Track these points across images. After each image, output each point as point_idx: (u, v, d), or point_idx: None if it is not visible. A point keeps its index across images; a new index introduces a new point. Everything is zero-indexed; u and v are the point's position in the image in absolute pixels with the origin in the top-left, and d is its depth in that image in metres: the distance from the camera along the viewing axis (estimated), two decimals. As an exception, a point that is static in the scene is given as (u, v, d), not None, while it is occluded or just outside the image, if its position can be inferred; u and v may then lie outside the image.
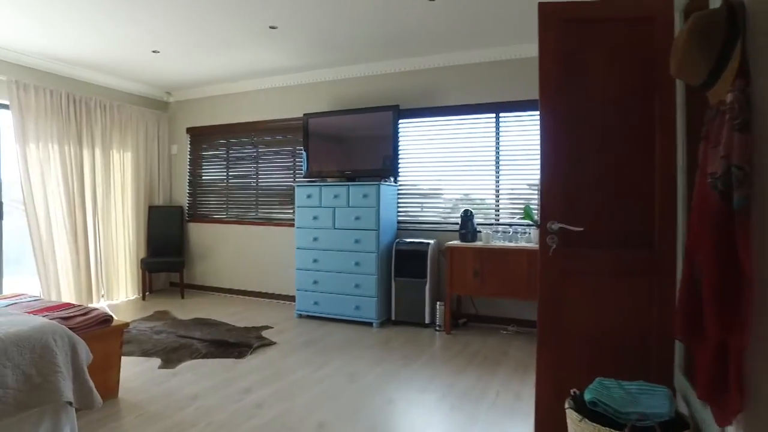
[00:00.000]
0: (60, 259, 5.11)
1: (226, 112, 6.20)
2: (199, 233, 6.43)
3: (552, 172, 2.29)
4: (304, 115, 5.21)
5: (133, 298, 5.94)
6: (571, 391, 1.98)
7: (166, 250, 6.20)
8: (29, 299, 3.28)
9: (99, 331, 2.89)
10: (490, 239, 4.43)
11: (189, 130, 6.49)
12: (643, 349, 2.14)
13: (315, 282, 4.88)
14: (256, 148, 6.04)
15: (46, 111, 5.08)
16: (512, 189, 4.74)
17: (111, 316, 2.99)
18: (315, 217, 4.86)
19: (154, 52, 4.86)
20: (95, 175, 5.57)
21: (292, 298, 5.64)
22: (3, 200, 5.11)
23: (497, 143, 4.75)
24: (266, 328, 4.64)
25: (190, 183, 6.53)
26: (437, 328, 4.57)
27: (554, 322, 2.28)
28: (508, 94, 4.66)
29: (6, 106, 4.90)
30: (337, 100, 5.44)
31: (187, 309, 5.40)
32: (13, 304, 3.12)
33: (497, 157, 4.76)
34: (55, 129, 5.15)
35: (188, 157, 6.54)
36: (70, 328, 2.69)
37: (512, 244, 4.29)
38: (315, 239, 4.86)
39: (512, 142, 4.71)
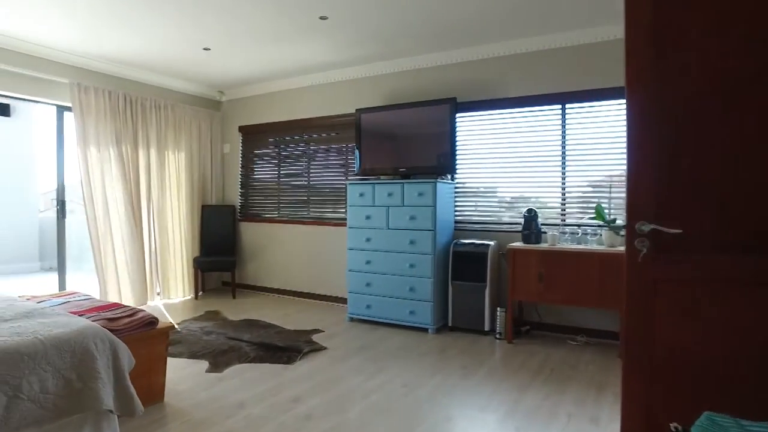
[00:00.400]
0: (117, 258, 5.15)
1: (277, 109, 6.11)
2: (250, 232, 6.37)
3: (642, 164, 1.95)
4: (356, 110, 5.02)
5: (187, 297, 5.94)
6: (672, 426, 1.65)
7: (219, 249, 6.18)
8: (80, 298, 3.24)
9: (144, 333, 2.78)
10: (556, 241, 4.07)
11: (241, 129, 6.45)
12: None
13: (368, 284, 4.67)
14: (308, 146, 5.91)
15: (105, 112, 5.14)
16: (580, 186, 4.35)
17: (156, 318, 2.88)
18: (368, 217, 4.65)
19: (205, 49, 4.80)
20: (150, 174, 5.60)
21: (343, 301, 5.47)
22: (66, 199, 5.22)
23: (563, 136, 4.37)
24: (317, 331, 4.47)
25: (242, 182, 6.49)
26: (497, 336, 4.25)
27: (644, 339, 1.93)
28: (576, 83, 4.27)
29: (69, 108, 4.98)
30: (391, 94, 5.21)
31: (237, 309, 5.33)
32: (64, 303, 3.07)
33: (563, 152, 4.38)
34: (113, 129, 5.20)
35: (240, 155, 6.50)
36: (115, 330, 2.60)
37: (582, 247, 3.91)
38: (368, 240, 4.65)
39: (581, 136, 4.32)
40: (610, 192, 4.13)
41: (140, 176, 5.47)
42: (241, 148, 6.50)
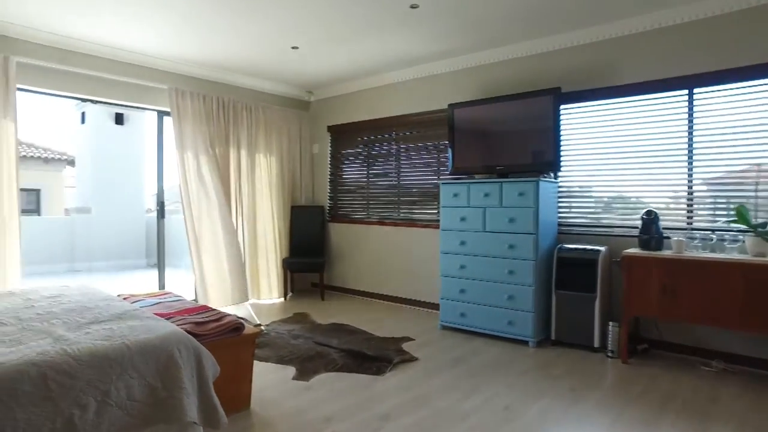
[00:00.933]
0: (213, 258, 5.23)
1: (366, 108, 5.95)
2: (339, 234, 6.27)
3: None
4: (449, 106, 4.71)
5: (276, 298, 5.95)
6: None
7: (308, 250, 6.14)
8: (172, 299, 3.23)
9: (231, 339, 2.68)
10: (683, 248, 3.50)
11: (330, 129, 6.37)
12: None
13: (462, 291, 4.34)
14: (397, 145, 5.69)
15: (200, 115, 5.25)
16: (712, 184, 3.73)
17: (243, 323, 2.76)
18: (462, 219, 4.33)
19: (293, 48, 4.73)
20: (241, 176, 5.66)
21: (435, 307, 5.18)
22: (165, 200, 5.40)
23: (690, 126, 3.77)
24: (407, 339, 4.22)
25: (331, 182, 6.41)
26: (609, 354, 3.76)
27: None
28: (706, 64, 3.66)
29: (168, 113, 5.15)
30: (486, 87, 4.85)
31: (326, 312, 5.22)
32: (156, 303, 3.06)
33: (690, 144, 3.78)
34: (207, 132, 5.30)
35: (329, 155, 6.43)
36: (200, 336, 2.50)
37: (718, 255, 3.32)
38: (462, 243, 4.33)
39: (713, 124, 3.70)
40: (756, 190, 3.48)
41: (231, 178, 5.55)
42: (330, 148, 6.43)
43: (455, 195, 4.38)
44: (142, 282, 7.47)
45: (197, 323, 2.66)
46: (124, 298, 3.22)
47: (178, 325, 2.54)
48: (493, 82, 4.78)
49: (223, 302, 5.22)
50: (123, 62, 4.86)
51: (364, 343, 4.07)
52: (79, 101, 9.28)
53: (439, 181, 5.12)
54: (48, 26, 4.24)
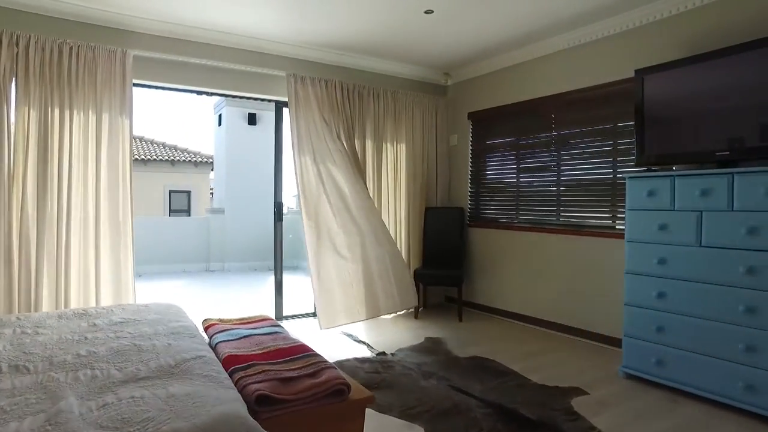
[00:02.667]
0: (333, 264, 4.52)
1: (515, 87, 4.83)
2: (482, 241, 5.23)
3: None
4: (637, 73, 3.41)
5: (406, 313, 5.08)
6: None
7: (444, 260, 5.19)
8: (266, 329, 2.49)
9: (328, 408, 1.82)
10: None
11: (471, 116, 5.35)
12: None
13: (659, 329, 3.05)
14: (557, 131, 4.49)
15: (321, 103, 4.58)
16: None
17: (348, 384, 1.89)
18: (662, 227, 3.03)
19: (426, 12, 3.81)
20: (366, 171, 4.90)
21: (613, 343, 3.92)
22: (283, 200, 4.83)
23: None
24: (577, 392, 3.06)
25: (472, 179, 5.39)
26: None
27: None
28: None
29: (287, 104, 4.56)
30: (692, 41, 3.47)
31: (464, 338, 4.23)
32: (242, 337, 2.34)
33: None
34: (332, 121, 4.61)
35: (470, 148, 5.41)
36: (285, 400, 1.67)
37: None
38: (662, 261, 3.03)
39: None
40: None
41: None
42: (471, 138, 5.41)
43: (650, 193, 3.10)
44: (265, 287, 7.16)
45: (284, 379, 1.84)
46: (208, 327, 2.56)
47: (256, 382, 1.75)
48: (705, 33, 3.39)
49: (347, 317, 4.49)
50: (237, 48, 4.37)
51: (517, 392, 3.01)
52: (219, 100, 9.41)
53: (621, 175, 3.87)
54: (159, 14, 3.84)
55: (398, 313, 4.94)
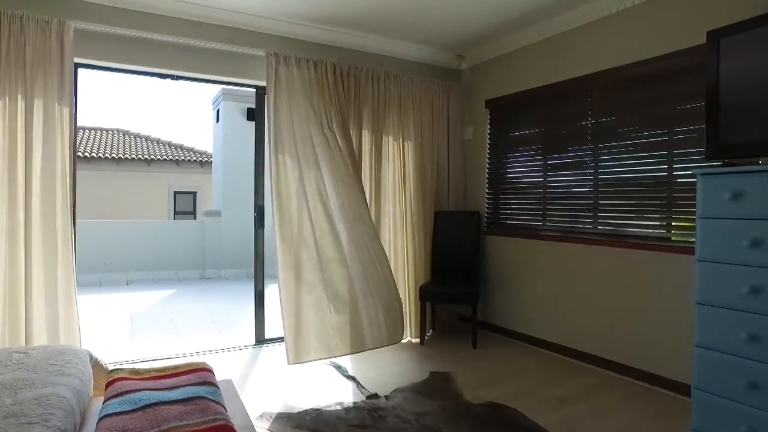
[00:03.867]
0: (308, 285, 3.69)
1: (542, 68, 4.01)
2: (501, 251, 4.42)
3: None
4: (710, 36, 2.56)
5: (411, 339, 4.29)
6: None
7: (456, 273, 4.39)
8: (190, 390, 1.74)
9: None
10: None
11: (489, 104, 4.55)
12: None
13: (752, 385, 2.20)
14: (594, 118, 3.66)
15: (308, 88, 3.82)
16: None
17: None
18: (757, 242, 2.18)
19: (434, -32, 3.03)
20: (364, 169, 4.13)
21: (674, 387, 3.08)
22: (266, 204, 4.09)
23: None
24: (633, 469, 2.24)
25: (491, 178, 4.58)
26: None
27: None
28: None
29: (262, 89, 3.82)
30: (781, -6, 2.62)
31: (479, 374, 3.43)
32: (145, 406, 1.59)
33: None
34: (322, 108, 3.84)
35: (487, 141, 4.60)
36: None
37: None
38: (756, 290, 2.18)
39: None
40: None
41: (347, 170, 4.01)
42: (488, 130, 4.60)
43: (736, 196, 2.26)
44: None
45: None
46: (111, 383, 1.81)
47: None
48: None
49: (322, 350, 3.65)
50: (208, 23, 3.65)
51: (551, 470, 2.20)
52: (217, 94, 8.73)
53: (680, 172, 3.04)
54: (99, -30, 3.15)
55: (405, 342, 4.14)
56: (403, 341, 4.14)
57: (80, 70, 3.55)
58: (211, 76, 3.86)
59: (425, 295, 4.17)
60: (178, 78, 3.83)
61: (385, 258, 3.94)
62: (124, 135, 14.42)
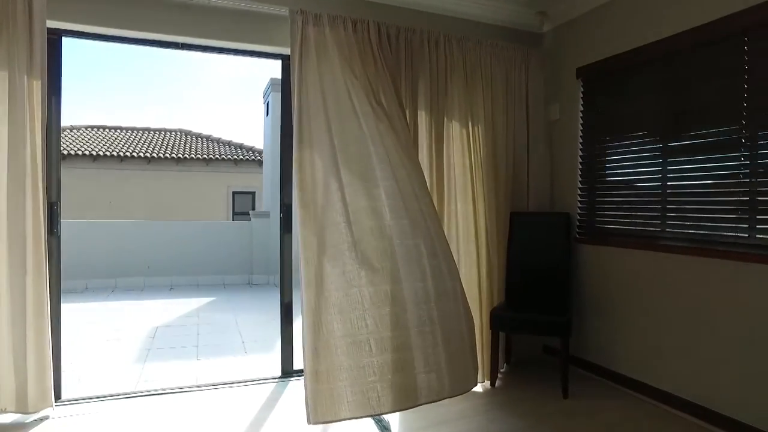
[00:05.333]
0: (339, 307, 2.71)
1: (660, 14, 2.91)
2: (600, 265, 3.34)
3: None
4: None
5: (475, 382, 3.29)
6: None
7: (539, 294, 3.37)
8: None
9: None
10: None
11: (582, 73, 3.48)
12: None
13: None
14: (753, 81, 2.52)
15: (346, 54, 2.94)
16: None
17: None
18: None
19: None
20: (422, 158, 3.19)
21: None
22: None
23: None
24: None
25: (585, 170, 3.51)
26: None
27: None
28: None
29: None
30: None
31: (579, 448, 2.41)
32: None
33: None
34: (365, 78, 2.95)
35: (580, 122, 3.54)
36: None
37: None
38: None
39: None
40: None
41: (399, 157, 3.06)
42: (581, 107, 3.53)
43: None
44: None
45: None
46: None
47: None
48: None
49: (357, 407, 2.61)
50: (215, -29, 2.88)
51: None
52: (267, 86, 8.08)
53: None
54: None
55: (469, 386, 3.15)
56: (471, 385, 3.16)
57: (67, 40, 2.91)
58: (224, 43, 3.10)
59: (497, 321, 3.18)
60: (183, 47, 3.08)
61: (455, 268, 2.96)
62: (186, 135, 14.37)
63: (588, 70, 3.42)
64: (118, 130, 14.01)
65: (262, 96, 8.49)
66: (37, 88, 2.60)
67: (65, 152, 11.89)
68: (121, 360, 3.86)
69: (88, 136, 13.25)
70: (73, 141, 12.72)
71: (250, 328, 4.87)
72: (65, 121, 13.90)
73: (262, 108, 8.56)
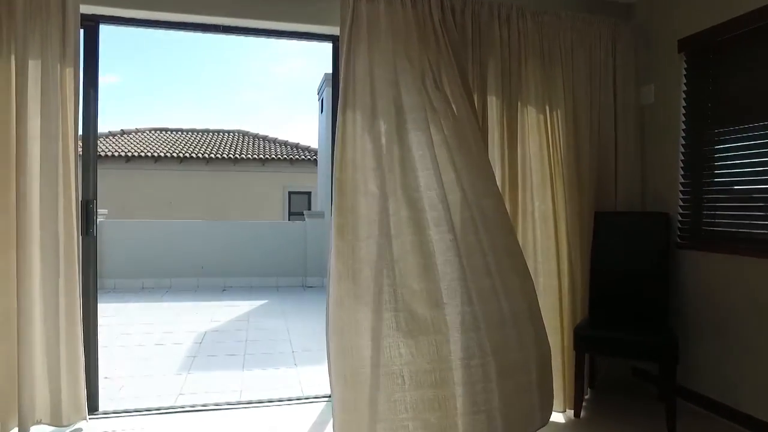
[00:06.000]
0: (374, 324, 2.28)
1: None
2: (709, 276, 2.78)
3: None
4: None
5: (555, 411, 2.80)
6: None
7: (630, 309, 2.85)
8: None
9: None
10: None
11: (685, 45, 2.93)
12: None
13: None
14: None
15: (402, 33, 2.55)
16: None
17: None
18: None
19: None
20: (492, 151, 2.76)
21: None
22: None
23: None
24: None
25: (687, 162, 2.96)
26: None
27: None
28: None
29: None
30: None
31: None
32: None
33: None
34: (419, 62, 2.56)
35: (683, 105, 2.98)
36: None
37: None
38: None
39: None
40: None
41: (456, 152, 2.57)
42: (684, 89, 2.98)
43: None
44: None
45: None
46: None
47: None
48: None
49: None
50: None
51: None
52: (321, 81, 7.85)
53: None
54: None
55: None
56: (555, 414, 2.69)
57: (107, 29, 2.71)
58: (269, 24, 2.80)
59: (583, 342, 2.70)
60: (225, 30, 2.81)
61: (523, 285, 2.50)
62: (243, 136, 14.51)
63: (694, 42, 2.87)
64: (179, 132, 14.33)
65: (316, 93, 8.30)
66: (70, 79, 2.40)
67: (127, 154, 12.23)
68: (165, 367, 3.67)
69: (151, 139, 13.62)
70: (137, 143, 13.10)
71: (301, 337, 4.59)
72: (130, 125, 14.36)
73: (317, 105, 8.36)
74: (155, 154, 12.24)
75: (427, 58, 2.59)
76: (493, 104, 2.82)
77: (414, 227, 2.33)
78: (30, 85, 2.33)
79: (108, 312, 5.29)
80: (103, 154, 11.93)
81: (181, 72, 30.01)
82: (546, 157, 2.86)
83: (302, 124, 34.72)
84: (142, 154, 12.19)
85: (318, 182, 8.99)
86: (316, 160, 13.22)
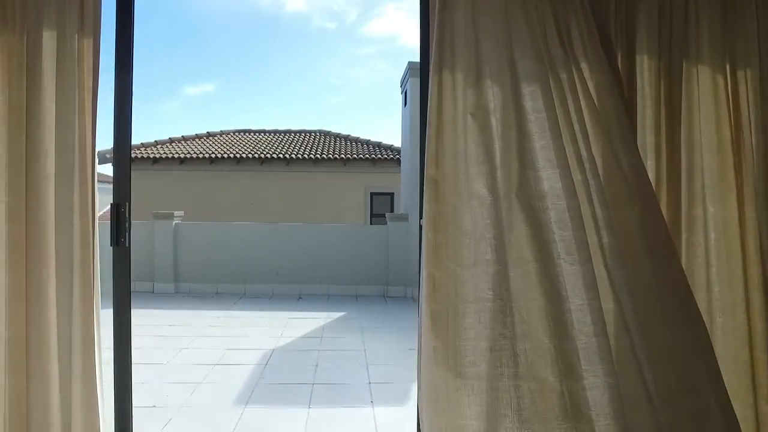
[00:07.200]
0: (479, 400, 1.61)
1: None
2: None
3: None
4: None
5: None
6: None
7: None
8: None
9: None
10: None
11: None
12: None
13: None
14: None
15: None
16: None
17: None
18: None
19: None
20: (641, 132, 1.96)
21: None
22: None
23: None
24: None
25: None
26: None
27: None
28: None
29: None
30: None
31: None
32: None
33: None
34: (536, 16, 1.82)
35: None
36: None
37: None
38: None
39: None
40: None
41: (590, 130, 1.81)
42: None
43: None
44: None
45: None
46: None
47: None
48: None
49: None
50: None
51: None
52: (405, 72, 7.22)
53: None
54: None
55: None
56: None
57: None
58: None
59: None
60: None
61: (700, 334, 1.68)
62: (324, 136, 14.30)
63: None
64: (261, 133, 14.38)
65: (399, 85, 7.68)
66: (88, 52, 1.92)
67: (211, 156, 12.35)
68: (221, 396, 3.18)
69: (233, 140, 13.76)
70: (221, 145, 13.25)
71: (379, 362, 3.96)
72: (216, 128, 14.61)
73: (400, 99, 7.75)
74: (237, 156, 12.29)
75: (552, 11, 1.84)
76: (644, 68, 1.99)
77: (538, 252, 1.58)
78: (45, 64, 1.87)
79: (179, 320, 5.00)
80: (188, 156, 12.13)
81: (267, 77, 30.91)
82: (727, 140, 1.98)
83: (385, 125, 34.53)
84: (225, 155, 12.27)
85: (401, 182, 8.38)
86: (399, 159, 12.66)
